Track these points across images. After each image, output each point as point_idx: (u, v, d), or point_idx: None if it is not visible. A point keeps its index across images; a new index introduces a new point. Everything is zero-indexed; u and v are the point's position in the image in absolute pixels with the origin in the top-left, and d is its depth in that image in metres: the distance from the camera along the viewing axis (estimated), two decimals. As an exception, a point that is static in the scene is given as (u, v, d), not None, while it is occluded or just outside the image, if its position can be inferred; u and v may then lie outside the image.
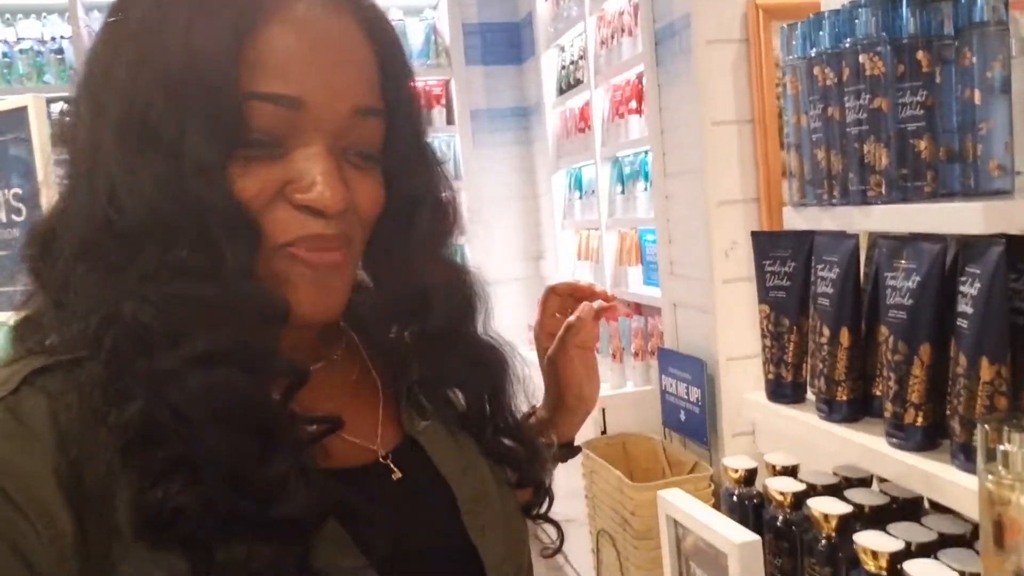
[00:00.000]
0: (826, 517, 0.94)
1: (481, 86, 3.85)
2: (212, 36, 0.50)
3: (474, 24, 3.84)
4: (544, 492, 0.73)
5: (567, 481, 2.39)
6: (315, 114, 0.53)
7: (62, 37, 3.54)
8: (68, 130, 0.55)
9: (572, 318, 0.80)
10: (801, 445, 1.14)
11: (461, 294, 0.66)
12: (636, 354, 2.71)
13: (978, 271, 0.75)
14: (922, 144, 0.84)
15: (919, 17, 0.83)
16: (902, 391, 0.87)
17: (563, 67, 3.41)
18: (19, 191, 2.13)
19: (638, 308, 2.89)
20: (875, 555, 0.86)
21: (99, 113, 0.52)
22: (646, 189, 2.76)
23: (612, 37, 2.87)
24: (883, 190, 0.86)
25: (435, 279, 0.64)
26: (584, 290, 0.83)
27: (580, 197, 3.41)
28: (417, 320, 0.65)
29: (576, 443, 0.88)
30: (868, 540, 0.88)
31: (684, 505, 1.06)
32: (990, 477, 0.68)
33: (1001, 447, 0.67)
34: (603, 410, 2.56)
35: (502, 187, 3.88)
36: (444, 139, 3.89)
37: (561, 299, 0.85)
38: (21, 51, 3.52)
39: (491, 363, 0.69)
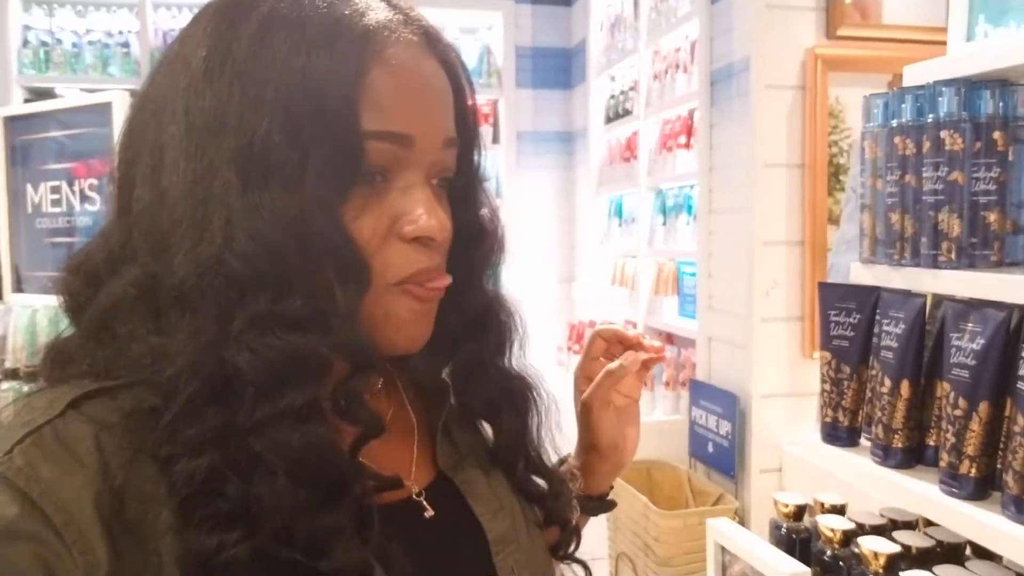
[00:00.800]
0: (875, 555, 0.99)
1: (529, 108, 3.94)
2: (333, 75, 0.50)
3: (527, 47, 3.93)
4: (571, 531, 0.71)
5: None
6: (420, 149, 0.54)
7: (129, 31, 3.67)
8: (133, 158, 0.54)
9: (614, 365, 0.75)
10: (843, 486, 1.19)
11: (502, 323, 0.66)
12: (667, 383, 2.76)
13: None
14: (992, 216, 0.90)
15: (997, 99, 0.89)
16: (959, 443, 0.93)
17: (612, 96, 3.49)
18: (94, 181, 2.23)
19: (670, 338, 2.95)
20: (923, 595, 0.91)
21: (212, 154, 0.50)
22: (688, 223, 2.82)
23: (666, 72, 2.94)
24: (953, 256, 0.92)
25: (484, 307, 0.64)
26: (631, 340, 0.78)
27: (620, 224, 3.48)
28: (461, 349, 0.65)
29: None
30: (916, 580, 0.93)
31: (734, 534, 1.11)
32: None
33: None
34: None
35: (541, 208, 3.96)
36: (488, 158, 3.97)
37: (607, 344, 0.80)
38: (89, 42, 3.65)
39: (522, 395, 0.68)
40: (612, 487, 0.84)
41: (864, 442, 1.10)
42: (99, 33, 3.67)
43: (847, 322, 1.02)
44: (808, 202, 2.22)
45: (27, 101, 3.47)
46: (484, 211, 0.64)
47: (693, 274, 2.72)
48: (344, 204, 0.51)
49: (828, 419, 1.09)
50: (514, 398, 0.67)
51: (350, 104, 0.50)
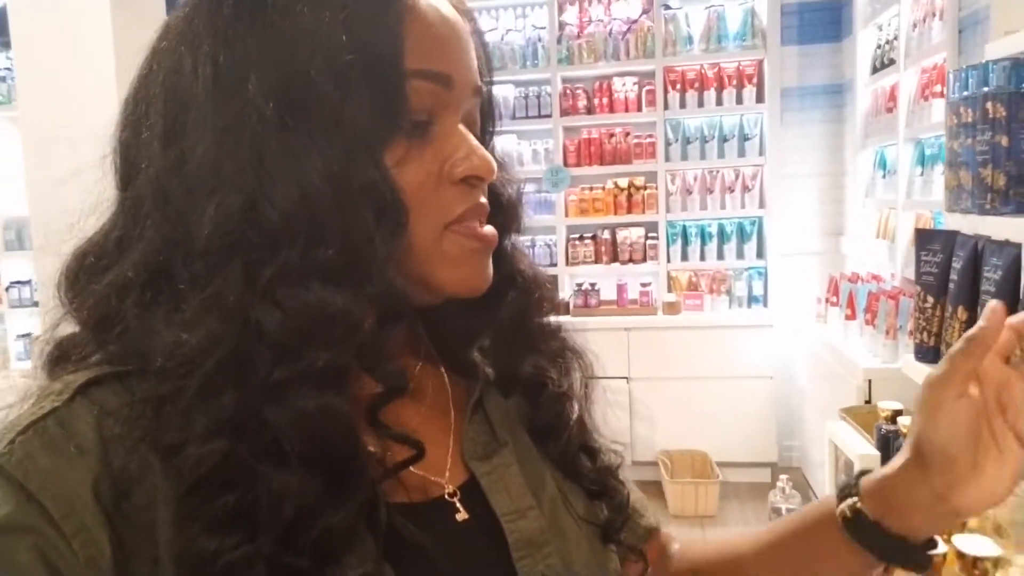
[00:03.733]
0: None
1: (795, 65, 3.99)
2: (376, 13, 0.49)
3: (793, 4, 3.97)
4: (619, 508, 0.63)
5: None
6: (458, 92, 0.53)
7: None
8: (165, 119, 0.50)
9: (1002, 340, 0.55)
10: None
11: (535, 287, 0.63)
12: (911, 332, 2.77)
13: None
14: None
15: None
16: None
17: (879, 46, 3.43)
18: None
19: (926, 291, 2.92)
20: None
21: (240, 93, 0.48)
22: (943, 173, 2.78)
23: (924, 20, 2.88)
24: (997, 203, 1.08)
25: (510, 270, 0.61)
26: None
27: (884, 176, 3.44)
28: (495, 312, 0.61)
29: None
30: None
31: (844, 435, 1.35)
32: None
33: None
34: (869, 381, 2.69)
35: (807, 164, 4.01)
36: (752, 117, 4.12)
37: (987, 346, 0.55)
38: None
39: (565, 359, 0.64)
40: (934, 540, 0.61)
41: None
42: None
43: (933, 261, 1.20)
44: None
45: None
46: (500, 174, 0.59)
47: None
48: (387, 146, 0.50)
49: (916, 340, 1.28)
50: (555, 366, 0.63)
51: (396, 40, 0.49)
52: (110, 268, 0.50)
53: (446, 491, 0.56)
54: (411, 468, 0.52)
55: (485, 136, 0.60)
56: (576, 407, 0.64)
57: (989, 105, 1.05)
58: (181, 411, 0.45)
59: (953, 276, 1.16)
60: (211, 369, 0.45)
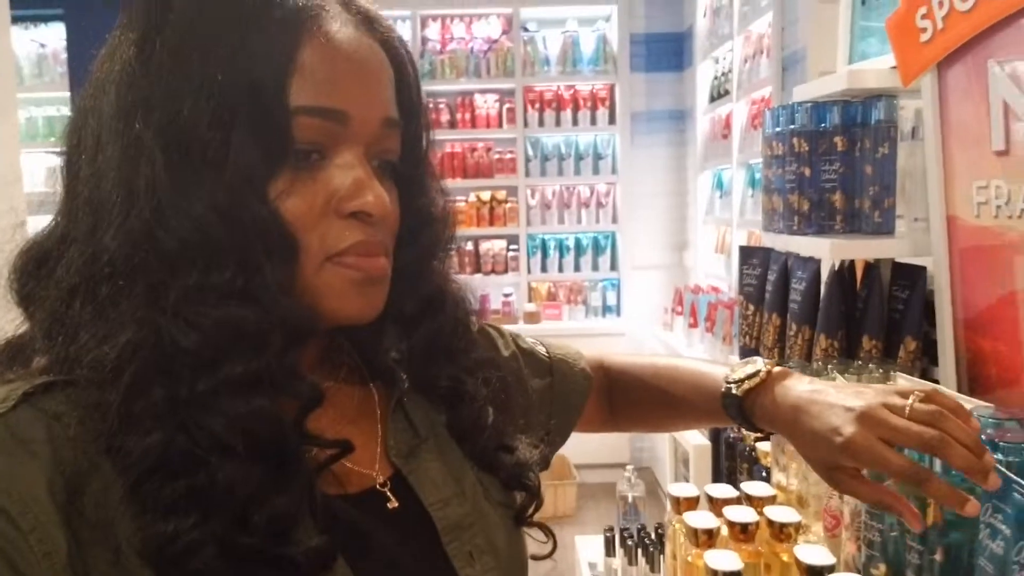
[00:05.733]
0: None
1: (643, 91, 4.28)
2: (262, 50, 0.51)
3: (640, 35, 4.26)
4: (531, 495, 0.68)
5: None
6: (356, 126, 0.54)
7: None
8: (86, 149, 0.53)
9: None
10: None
11: (457, 305, 0.67)
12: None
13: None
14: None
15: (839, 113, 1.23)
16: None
17: (716, 77, 3.76)
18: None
19: (757, 301, 3.23)
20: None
21: (140, 131, 0.50)
22: (771, 195, 3.08)
23: (754, 56, 3.20)
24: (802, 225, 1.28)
25: (434, 290, 0.64)
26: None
27: (720, 196, 3.77)
28: (417, 332, 0.64)
29: None
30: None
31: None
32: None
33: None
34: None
35: (654, 183, 4.30)
36: (605, 137, 4.37)
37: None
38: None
39: (482, 374, 0.67)
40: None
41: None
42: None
43: (752, 274, 1.39)
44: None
45: None
46: (433, 197, 0.64)
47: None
48: (273, 180, 0.51)
49: (741, 343, 1.46)
50: (472, 383, 0.66)
51: (279, 79, 0.51)
52: (55, 269, 0.52)
53: (377, 482, 0.60)
54: (345, 463, 0.57)
55: (418, 158, 0.62)
56: (492, 412, 0.67)
57: (795, 140, 1.23)
58: (119, 414, 0.47)
59: (768, 287, 1.35)
60: (133, 377, 0.47)
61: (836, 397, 0.67)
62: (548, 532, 0.71)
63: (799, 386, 0.71)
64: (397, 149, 0.59)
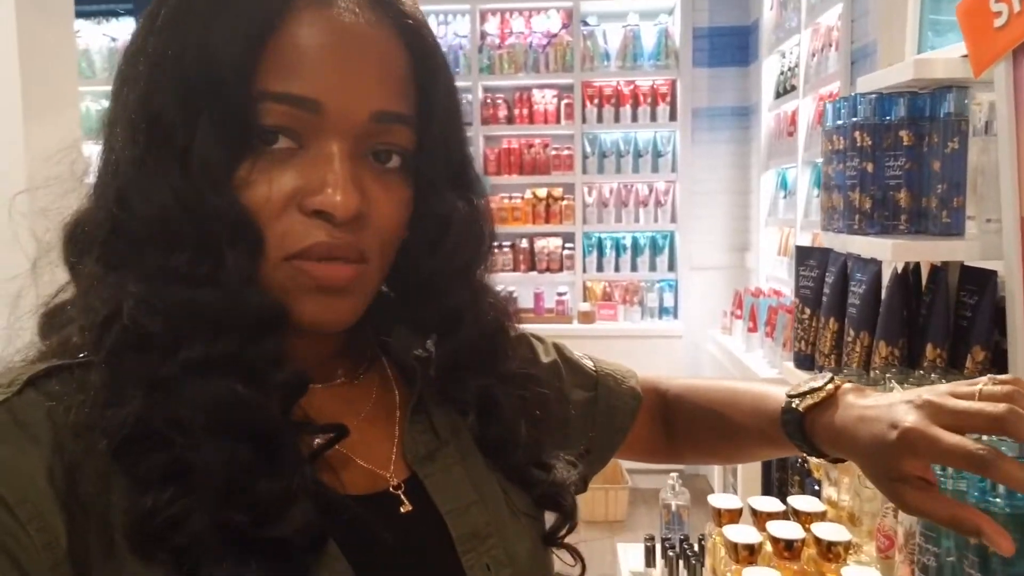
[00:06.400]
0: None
1: (705, 86, 4.17)
2: (229, 33, 0.49)
3: (704, 28, 4.16)
4: (566, 517, 0.64)
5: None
6: (333, 117, 0.50)
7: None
8: (101, 127, 0.54)
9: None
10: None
11: (487, 319, 0.63)
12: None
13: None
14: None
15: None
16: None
17: (781, 72, 3.63)
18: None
19: (820, 304, 3.11)
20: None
21: (119, 110, 0.52)
22: (836, 195, 2.96)
23: (822, 49, 3.07)
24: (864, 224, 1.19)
25: (458, 304, 0.60)
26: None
27: (784, 197, 3.64)
28: (440, 344, 0.61)
29: None
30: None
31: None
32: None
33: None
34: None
35: (715, 182, 4.19)
36: (665, 134, 4.28)
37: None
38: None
39: (514, 392, 0.64)
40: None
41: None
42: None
43: (809, 276, 1.31)
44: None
45: None
46: (454, 202, 0.59)
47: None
48: (237, 168, 0.50)
49: (795, 349, 1.39)
50: (504, 395, 0.63)
51: (242, 62, 0.49)
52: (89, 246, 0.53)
53: (391, 484, 0.57)
54: (358, 462, 0.56)
55: (440, 157, 0.57)
56: (525, 427, 0.63)
57: (857, 134, 1.16)
58: (99, 390, 0.47)
59: (826, 290, 1.27)
60: (108, 354, 0.48)
61: (899, 396, 0.59)
62: (577, 555, 0.66)
63: (865, 400, 0.61)
64: (405, 145, 0.55)
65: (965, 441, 0.51)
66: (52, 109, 2.03)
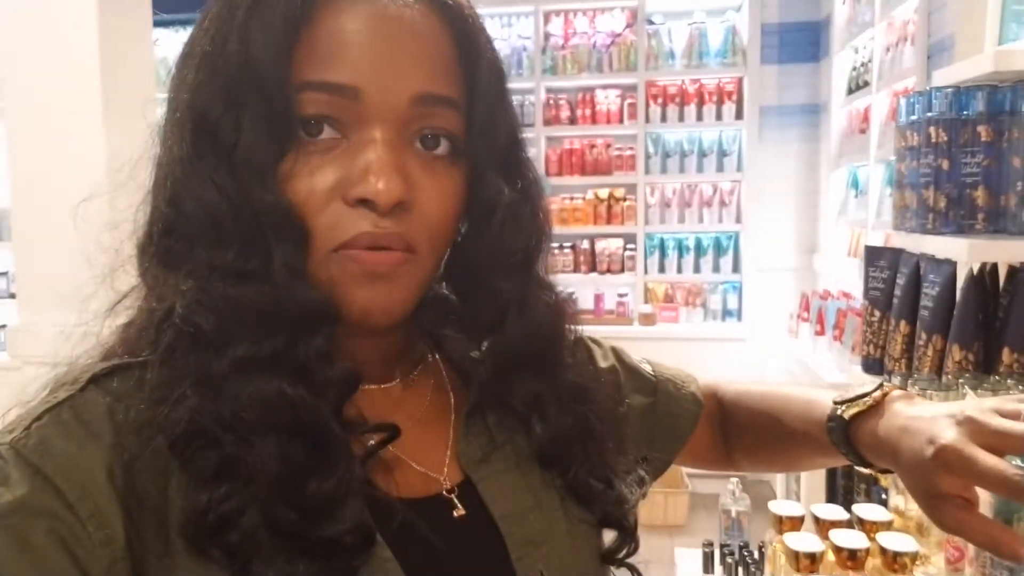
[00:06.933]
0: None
1: (773, 83, 4.07)
2: (265, 27, 0.49)
3: (774, 24, 4.06)
4: (628, 536, 0.62)
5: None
6: (374, 103, 0.50)
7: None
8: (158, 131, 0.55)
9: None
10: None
11: (545, 316, 0.60)
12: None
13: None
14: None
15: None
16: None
17: (854, 68, 3.52)
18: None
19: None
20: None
21: (171, 113, 0.52)
22: (911, 194, 2.85)
23: (896, 44, 2.96)
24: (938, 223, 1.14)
25: (511, 297, 0.58)
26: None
27: (856, 196, 3.52)
28: (492, 339, 0.59)
29: None
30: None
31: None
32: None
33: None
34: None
35: (783, 181, 4.08)
36: (731, 133, 4.20)
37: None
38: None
39: (573, 396, 0.62)
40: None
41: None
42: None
43: (880, 276, 1.26)
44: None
45: None
46: (501, 188, 0.56)
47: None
48: (280, 162, 0.49)
49: (863, 353, 1.33)
50: (560, 407, 0.61)
51: (278, 54, 0.48)
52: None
53: (444, 488, 0.57)
54: (411, 464, 0.56)
55: (487, 142, 0.55)
56: (582, 443, 0.61)
57: (932, 130, 1.11)
58: (157, 387, 0.48)
59: (897, 292, 1.22)
60: (164, 351, 0.49)
61: (943, 408, 0.56)
62: (637, 573, 0.64)
63: (911, 409, 0.59)
64: (452, 129, 0.53)
65: (1002, 464, 0.48)
66: (131, 116, 2.11)
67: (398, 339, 0.59)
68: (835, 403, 0.64)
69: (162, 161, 0.53)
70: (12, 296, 3.99)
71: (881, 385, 0.62)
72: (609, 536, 0.63)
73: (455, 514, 0.56)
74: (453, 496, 0.57)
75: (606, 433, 0.62)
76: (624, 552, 0.62)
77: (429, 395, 0.61)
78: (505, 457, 0.59)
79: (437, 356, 0.63)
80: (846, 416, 0.62)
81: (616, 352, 0.75)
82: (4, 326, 4.10)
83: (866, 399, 0.62)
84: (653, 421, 0.74)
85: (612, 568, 0.63)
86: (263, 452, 0.46)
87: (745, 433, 0.76)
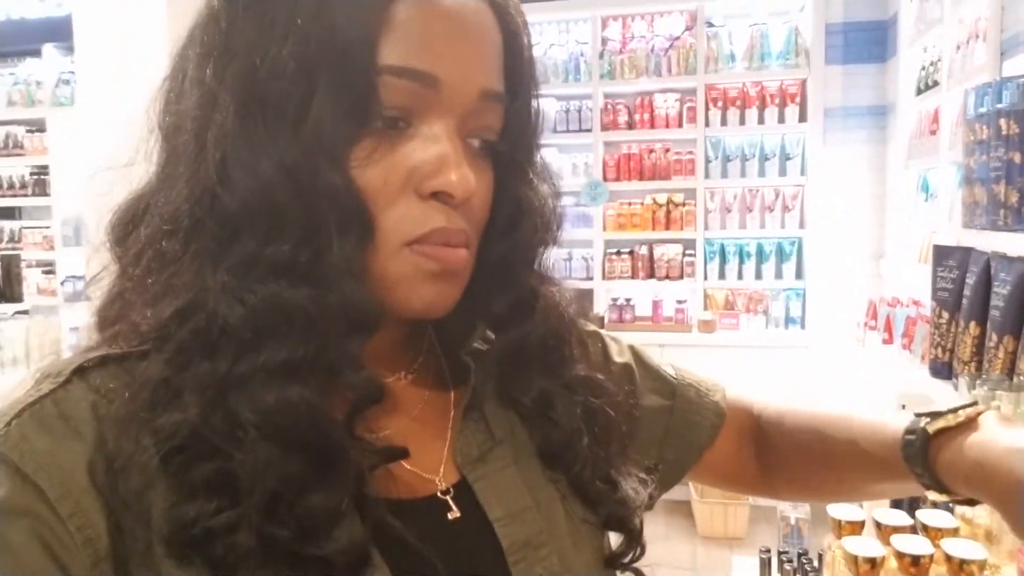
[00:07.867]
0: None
1: (839, 84, 3.97)
2: (353, 3, 0.46)
3: (838, 24, 3.95)
4: (634, 540, 0.60)
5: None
6: (447, 94, 0.49)
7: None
8: (173, 96, 0.51)
9: None
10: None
11: (553, 311, 0.59)
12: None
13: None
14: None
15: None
16: None
17: (923, 67, 3.40)
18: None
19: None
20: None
21: (216, 79, 0.47)
22: (985, 196, 2.74)
23: (967, 41, 2.85)
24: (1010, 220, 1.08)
25: (527, 292, 0.57)
26: None
27: (926, 199, 3.40)
28: (505, 334, 0.57)
29: None
30: None
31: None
32: None
33: None
34: (903, 406, 2.66)
35: (848, 185, 3.97)
36: (794, 136, 4.10)
37: None
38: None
39: (580, 395, 0.60)
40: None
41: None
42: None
43: (948, 277, 1.21)
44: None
45: None
46: (536, 187, 0.57)
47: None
48: (353, 146, 0.47)
49: (931, 357, 1.28)
50: (567, 401, 0.59)
51: (368, 33, 0.46)
52: (138, 227, 0.50)
53: (439, 489, 0.55)
54: (405, 465, 0.53)
55: (523, 141, 0.56)
56: (588, 440, 0.59)
57: (1002, 122, 1.06)
58: (160, 387, 0.45)
59: (966, 292, 1.17)
60: (177, 349, 0.45)
61: None
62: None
63: (1013, 432, 0.52)
64: (497, 127, 0.53)
65: None
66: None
67: (407, 329, 0.58)
68: (917, 415, 0.58)
69: (199, 130, 0.47)
70: (88, 299, 4.16)
71: (976, 403, 0.57)
72: (615, 540, 0.61)
73: (449, 516, 0.54)
74: (448, 498, 0.55)
75: (613, 427, 0.61)
76: (630, 556, 0.60)
77: (428, 389, 0.59)
78: (502, 455, 0.57)
79: (438, 348, 0.61)
80: (930, 430, 0.56)
81: (633, 350, 0.73)
82: (77, 328, 4.28)
83: (957, 414, 0.56)
84: (667, 426, 0.70)
85: (617, 572, 0.61)
86: (263, 464, 0.44)
87: (787, 454, 0.70)
